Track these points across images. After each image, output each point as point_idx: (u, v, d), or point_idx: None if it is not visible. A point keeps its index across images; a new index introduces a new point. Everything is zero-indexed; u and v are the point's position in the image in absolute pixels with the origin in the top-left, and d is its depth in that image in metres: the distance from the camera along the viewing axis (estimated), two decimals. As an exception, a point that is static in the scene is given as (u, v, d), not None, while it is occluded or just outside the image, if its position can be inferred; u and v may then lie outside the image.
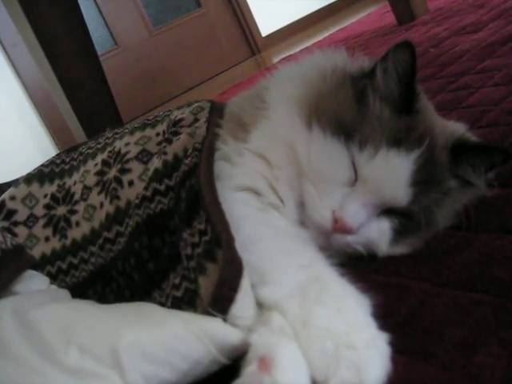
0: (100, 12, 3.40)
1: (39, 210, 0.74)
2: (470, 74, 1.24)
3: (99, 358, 0.43)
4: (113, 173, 0.72)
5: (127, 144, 0.75)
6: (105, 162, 0.75)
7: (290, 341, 0.45)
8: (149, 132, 0.76)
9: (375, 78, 0.62)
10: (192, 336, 0.45)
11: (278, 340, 0.44)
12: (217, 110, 0.75)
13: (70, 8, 1.56)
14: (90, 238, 0.69)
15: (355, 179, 0.60)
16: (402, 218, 0.61)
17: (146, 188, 0.66)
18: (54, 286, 0.65)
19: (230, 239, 0.51)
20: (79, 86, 1.60)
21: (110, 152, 0.76)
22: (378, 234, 0.61)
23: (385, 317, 0.48)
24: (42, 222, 0.73)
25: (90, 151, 0.80)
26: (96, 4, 3.38)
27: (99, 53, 1.72)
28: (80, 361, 0.43)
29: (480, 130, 0.88)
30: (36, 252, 0.70)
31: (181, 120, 0.74)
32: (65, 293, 0.63)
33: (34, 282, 0.62)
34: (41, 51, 1.54)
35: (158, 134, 0.74)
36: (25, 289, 0.60)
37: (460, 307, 0.50)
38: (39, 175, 0.79)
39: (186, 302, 0.55)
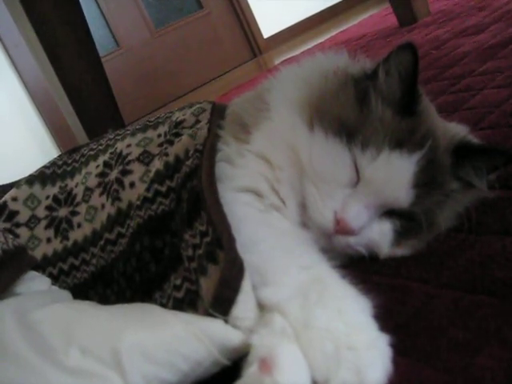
0: (102, 13, 3.41)
1: (41, 212, 0.74)
2: (472, 75, 1.24)
3: (100, 358, 0.43)
4: (114, 174, 0.72)
5: (129, 145, 0.75)
6: (106, 164, 0.75)
7: (291, 342, 0.45)
8: (150, 133, 0.76)
9: (377, 80, 0.62)
10: (193, 337, 0.45)
11: (279, 341, 0.44)
12: (218, 112, 0.75)
13: (72, 9, 1.56)
14: (91, 240, 0.69)
15: (357, 180, 0.60)
16: (404, 219, 0.61)
17: (147, 189, 0.66)
18: (55, 287, 0.66)
19: (231, 240, 0.51)
20: (81, 88, 1.60)
21: (111, 153, 0.76)
22: (380, 236, 0.61)
23: (386, 318, 0.48)
24: (43, 223, 0.73)
25: (91, 153, 0.80)
26: (98, 5, 3.38)
27: (101, 54, 1.72)
28: (81, 361, 0.43)
29: (481, 132, 0.88)
30: (37, 253, 0.70)
31: (182, 121, 0.74)
32: (66, 294, 0.63)
33: (35, 283, 0.63)
34: (43, 52, 1.54)
35: (159, 136, 0.74)
36: (26, 290, 0.60)
37: (461, 309, 0.50)
38: (41, 177, 0.79)
39: (187, 303, 0.55)
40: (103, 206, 0.70)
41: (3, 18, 2.10)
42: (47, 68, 1.58)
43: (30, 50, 1.60)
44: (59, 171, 0.80)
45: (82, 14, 1.59)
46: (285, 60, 2.83)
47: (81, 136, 1.65)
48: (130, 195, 0.68)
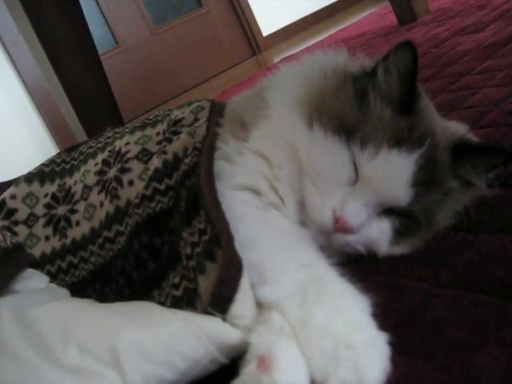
0: (101, 11, 3.41)
1: (39, 210, 0.74)
2: (471, 74, 1.24)
3: (98, 356, 0.43)
4: (113, 172, 0.72)
5: (127, 143, 0.75)
6: (105, 162, 0.75)
7: (290, 340, 0.45)
8: (149, 131, 0.76)
9: (376, 78, 0.62)
10: (191, 335, 0.45)
11: (277, 340, 0.44)
12: (217, 110, 0.74)
13: (71, 7, 1.56)
14: (89, 238, 0.69)
15: (356, 179, 0.60)
16: (403, 217, 0.61)
17: (145, 187, 0.66)
18: (53, 285, 0.65)
19: (230, 238, 0.50)
20: (80, 86, 1.60)
21: (110, 151, 0.76)
22: (379, 234, 0.61)
23: (384, 317, 0.48)
24: (42, 221, 0.73)
25: (90, 150, 0.80)
26: (97, 3, 3.38)
27: (100, 52, 1.72)
28: (79, 360, 0.43)
29: (481, 131, 0.88)
30: (36, 251, 0.70)
31: (181, 119, 0.74)
32: (64, 292, 0.63)
33: (33, 281, 0.62)
34: (42, 50, 1.54)
35: (158, 134, 0.74)
36: (24, 287, 0.60)
37: (460, 308, 0.50)
38: (40, 174, 0.79)
39: (185, 301, 0.55)
40: (102, 204, 0.70)
41: (2, 16, 2.10)
42: (46, 66, 1.57)
43: (29, 49, 1.60)
44: (58, 169, 0.80)
45: (82, 12, 1.59)
46: (284, 58, 2.83)
47: (80, 134, 1.65)
48: (128, 193, 0.68)
